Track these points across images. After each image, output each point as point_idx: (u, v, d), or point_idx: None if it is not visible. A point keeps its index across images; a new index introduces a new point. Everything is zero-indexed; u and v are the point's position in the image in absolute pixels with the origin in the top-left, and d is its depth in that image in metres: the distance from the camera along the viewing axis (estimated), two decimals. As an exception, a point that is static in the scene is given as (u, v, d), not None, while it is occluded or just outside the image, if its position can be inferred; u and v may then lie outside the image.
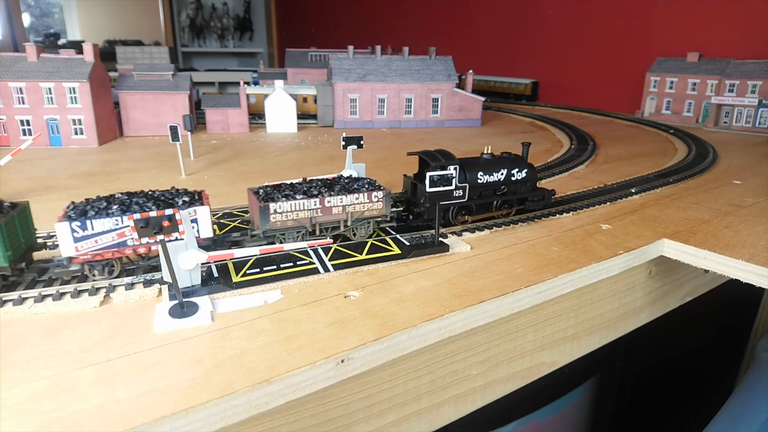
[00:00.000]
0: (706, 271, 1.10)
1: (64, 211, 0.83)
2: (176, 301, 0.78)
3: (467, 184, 1.14)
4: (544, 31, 4.14)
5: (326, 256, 0.97)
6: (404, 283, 0.89)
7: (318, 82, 3.20)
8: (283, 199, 0.97)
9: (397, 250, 1.01)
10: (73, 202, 0.86)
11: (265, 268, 0.91)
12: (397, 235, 1.09)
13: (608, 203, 1.39)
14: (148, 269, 0.91)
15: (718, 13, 3.10)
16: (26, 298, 0.79)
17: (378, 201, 1.06)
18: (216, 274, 0.89)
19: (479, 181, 1.18)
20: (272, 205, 0.96)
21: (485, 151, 1.25)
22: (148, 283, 0.85)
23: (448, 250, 1.02)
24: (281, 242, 1.01)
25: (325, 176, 1.14)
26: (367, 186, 1.07)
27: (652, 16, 3.43)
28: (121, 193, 0.91)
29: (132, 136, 2.56)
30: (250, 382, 0.61)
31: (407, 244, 1.04)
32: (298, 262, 0.93)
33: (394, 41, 4.25)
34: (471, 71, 3.18)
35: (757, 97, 2.78)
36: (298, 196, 0.99)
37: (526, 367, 1.01)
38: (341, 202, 1.02)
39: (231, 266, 0.91)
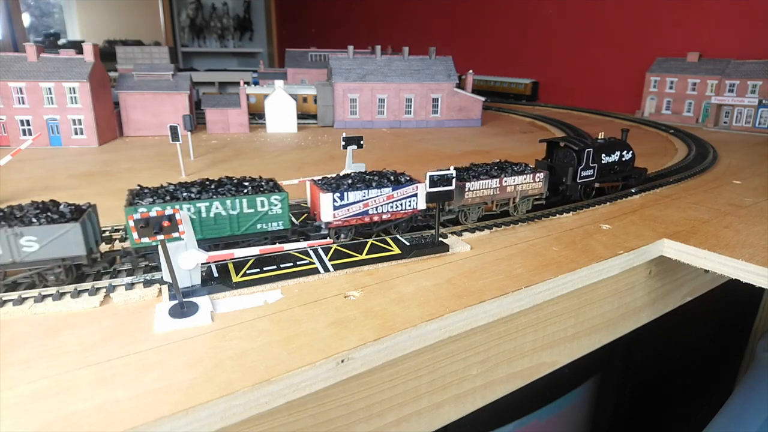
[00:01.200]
0: (706, 271, 1.10)
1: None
2: (176, 301, 0.78)
3: (596, 165, 1.36)
4: (544, 31, 4.14)
5: (326, 256, 0.97)
6: (404, 283, 0.89)
7: (318, 82, 3.20)
8: (474, 179, 1.15)
9: (397, 250, 1.01)
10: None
11: (265, 268, 0.91)
12: (397, 235, 1.09)
13: (608, 203, 1.39)
14: (148, 269, 0.91)
15: (718, 13, 3.10)
16: (26, 298, 0.79)
17: (539, 181, 1.25)
18: (216, 274, 0.89)
19: (603, 162, 1.39)
20: (468, 184, 1.13)
21: (599, 137, 1.47)
22: (148, 283, 0.85)
23: (448, 250, 1.02)
24: (466, 218, 1.18)
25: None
26: (526, 169, 1.25)
27: (652, 16, 3.43)
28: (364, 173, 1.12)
29: (132, 136, 2.57)
30: (250, 382, 0.61)
31: (407, 244, 1.04)
32: (298, 262, 0.93)
33: (394, 41, 4.25)
34: (471, 71, 3.18)
35: (757, 97, 2.78)
36: (482, 177, 1.17)
37: (526, 367, 1.01)
38: (514, 182, 1.20)
39: (231, 266, 0.91)
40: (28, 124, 2.24)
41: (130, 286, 0.84)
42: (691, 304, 1.35)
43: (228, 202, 0.92)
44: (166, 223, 0.73)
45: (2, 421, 0.54)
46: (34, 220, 0.81)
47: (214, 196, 0.93)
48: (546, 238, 1.13)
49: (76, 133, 2.28)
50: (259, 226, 0.96)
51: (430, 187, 0.99)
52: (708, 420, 1.47)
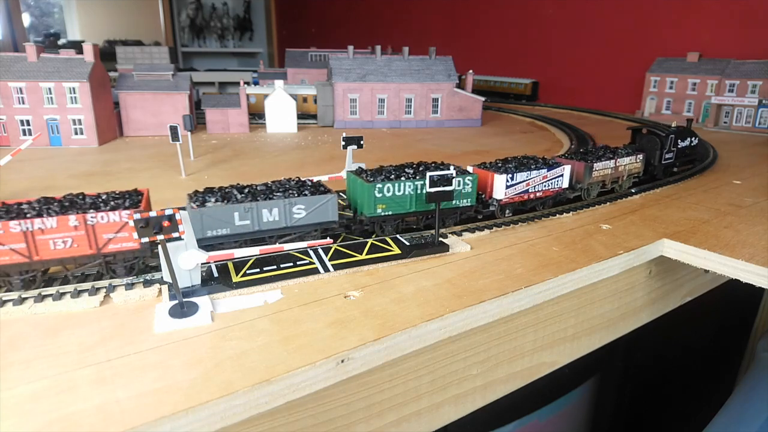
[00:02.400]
0: (706, 271, 1.10)
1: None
2: (176, 301, 0.78)
3: (676, 149, 1.61)
4: (544, 31, 4.14)
5: (326, 256, 0.97)
6: (404, 283, 0.89)
7: (318, 82, 3.20)
8: (598, 161, 1.35)
9: (397, 250, 1.00)
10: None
11: (265, 268, 0.91)
12: (397, 235, 1.09)
13: (608, 203, 1.39)
14: (148, 269, 0.91)
15: (718, 13, 3.10)
16: (26, 298, 0.79)
17: (639, 162, 1.49)
18: (216, 274, 0.89)
19: (679, 146, 1.63)
20: (595, 165, 1.33)
21: (673, 125, 1.69)
22: (148, 283, 0.85)
23: (448, 250, 1.02)
24: (588, 194, 1.37)
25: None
26: (631, 151, 1.47)
27: (652, 16, 3.43)
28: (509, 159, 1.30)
29: (132, 136, 2.57)
30: (250, 382, 0.61)
31: (407, 244, 1.04)
32: (298, 262, 0.93)
33: (394, 41, 4.25)
34: (471, 71, 3.18)
35: (757, 97, 2.78)
36: (603, 159, 1.37)
37: (526, 367, 1.01)
38: (623, 162, 1.43)
39: (231, 266, 0.91)
40: (28, 124, 2.24)
41: (130, 286, 0.84)
42: (691, 304, 1.35)
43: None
44: (166, 223, 0.73)
45: (2, 421, 0.54)
46: (294, 192, 0.99)
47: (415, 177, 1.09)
48: (546, 238, 1.13)
49: (76, 133, 2.28)
50: (453, 202, 1.12)
51: (430, 187, 0.99)
52: (708, 420, 1.47)
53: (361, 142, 1.42)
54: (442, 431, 0.93)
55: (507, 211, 1.23)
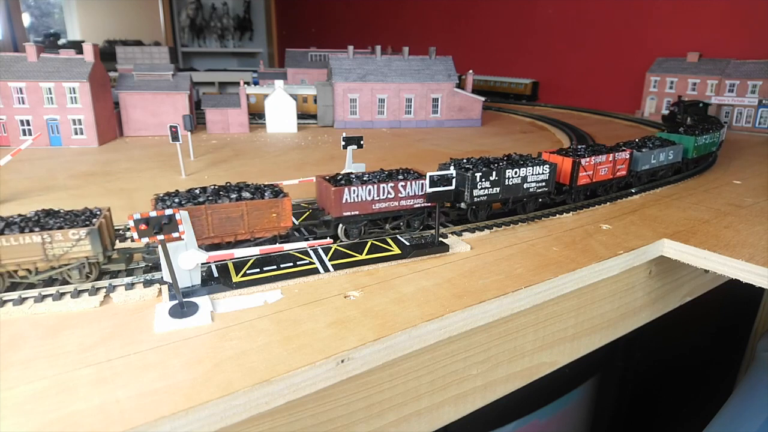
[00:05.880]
0: (706, 271, 1.10)
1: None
2: (176, 301, 0.78)
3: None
4: (544, 31, 4.14)
5: (326, 256, 0.97)
6: (404, 283, 0.89)
7: (318, 82, 3.20)
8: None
9: (397, 250, 1.00)
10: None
11: (265, 268, 0.91)
12: (397, 235, 1.09)
13: (608, 203, 1.39)
14: (148, 269, 0.91)
15: (718, 13, 3.10)
16: (26, 298, 0.79)
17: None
18: (216, 274, 0.89)
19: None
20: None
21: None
22: (148, 283, 0.85)
23: (448, 250, 1.02)
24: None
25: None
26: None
27: (652, 16, 3.43)
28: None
29: (132, 136, 2.56)
30: (250, 382, 0.61)
31: (407, 244, 1.04)
32: (298, 262, 0.93)
33: (394, 41, 4.25)
34: (471, 71, 3.18)
35: (757, 97, 2.78)
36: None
37: (526, 367, 1.01)
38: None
39: (231, 266, 0.91)
40: (28, 124, 2.24)
41: (130, 286, 0.84)
42: (691, 304, 1.35)
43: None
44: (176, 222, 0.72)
45: (2, 421, 0.54)
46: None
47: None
48: (546, 238, 1.13)
49: (76, 133, 2.28)
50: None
51: (430, 187, 0.99)
52: (708, 420, 1.47)
53: (361, 142, 1.42)
54: (442, 431, 0.93)
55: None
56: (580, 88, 3.98)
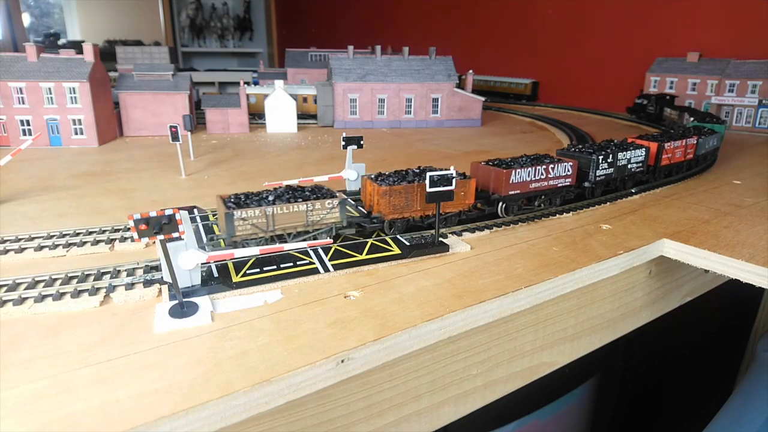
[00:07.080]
0: (706, 271, 1.10)
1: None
2: (176, 301, 0.78)
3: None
4: (544, 31, 4.14)
5: (326, 256, 0.97)
6: (404, 283, 0.89)
7: (318, 82, 3.20)
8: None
9: (397, 250, 1.01)
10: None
11: (265, 268, 0.91)
12: (397, 235, 1.09)
13: (608, 203, 1.39)
14: (148, 269, 0.91)
15: (718, 13, 3.09)
16: (26, 298, 0.79)
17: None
18: (216, 274, 0.89)
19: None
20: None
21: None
22: (148, 283, 0.85)
23: (448, 250, 1.02)
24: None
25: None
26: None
27: (652, 16, 3.43)
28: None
29: (132, 136, 2.57)
30: (250, 382, 0.61)
31: (407, 244, 1.04)
32: (298, 262, 0.93)
33: (394, 41, 4.25)
34: (471, 71, 3.18)
35: (757, 97, 2.78)
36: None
37: (526, 367, 1.01)
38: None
39: (231, 266, 0.91)
40: (28, 124, 2.24)
41: (130, 286, 0.84)
42: (691, 304, 1.35)
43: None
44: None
45: (2, 421, 0.54)
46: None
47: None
48: (546, 238, 1.13)
49: (76, 133, 2.28)
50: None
51: (430, 187, 0.99)
52: (708, 420, 1.47)
53: (361, 142, 1.42)
54: (442, 431, 0.93)
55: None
56: (580, 88, 3.98)
